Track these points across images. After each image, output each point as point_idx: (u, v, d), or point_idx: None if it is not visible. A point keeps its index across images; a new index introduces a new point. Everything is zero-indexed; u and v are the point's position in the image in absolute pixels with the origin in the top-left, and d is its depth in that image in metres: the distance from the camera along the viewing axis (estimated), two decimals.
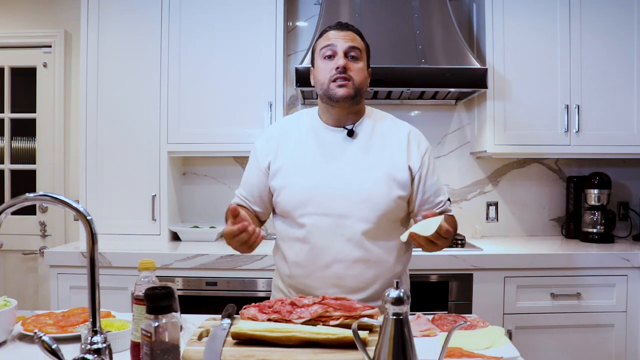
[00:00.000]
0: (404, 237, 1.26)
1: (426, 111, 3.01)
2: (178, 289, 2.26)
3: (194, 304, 2.31)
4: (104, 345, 0.93)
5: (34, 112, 3.10)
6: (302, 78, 2.40)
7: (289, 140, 1.53)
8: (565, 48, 2.63)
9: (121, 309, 1.45)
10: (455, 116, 3.01)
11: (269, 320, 1.20)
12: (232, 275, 2.35)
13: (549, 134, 2.64)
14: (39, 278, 3.07)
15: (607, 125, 2.64)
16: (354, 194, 1.45)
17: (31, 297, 3.07)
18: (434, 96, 2.84)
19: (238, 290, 2.35)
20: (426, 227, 1.23)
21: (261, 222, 1.62)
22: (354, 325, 0.98)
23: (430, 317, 1.36)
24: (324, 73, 1.47)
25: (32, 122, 3.11)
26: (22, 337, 1.28)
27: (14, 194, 3.13)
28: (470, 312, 2.27)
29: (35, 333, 0.91)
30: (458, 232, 2.74)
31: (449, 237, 1.30)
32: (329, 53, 1.47)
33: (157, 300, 0.92)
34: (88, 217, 0.93)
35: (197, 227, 2.79)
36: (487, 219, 3.01)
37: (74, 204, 0.94)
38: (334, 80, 1.45)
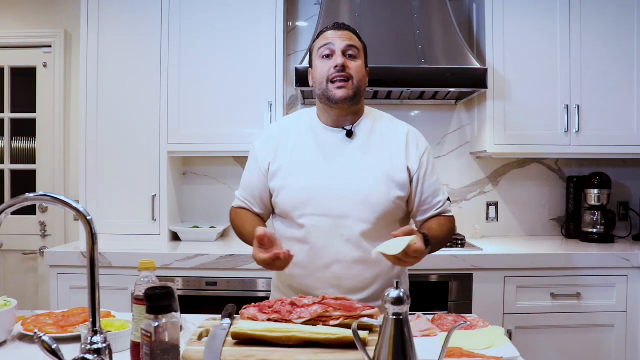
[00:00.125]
0: (374, 252, 1.25)
1: (426, 111, 3.01)
2: (178, 289, 2.26)
3: (194, 304, 2.31)
4: (104, 345, 0.93)
5: (34, 112, 3.10)
6: (302, 78, 2.40)
7: (289, 141, 1.53)
8: (565, 48, 2.63)
9: (121, 309, 1.45)
10: (455, 116, 3.01)
11: (269, 320, 1.20)
12: (232, 275, 2.35)
13: (549, 134, 2.64)
14: (39, 278, 3.07)
15: (607, 125, 2.64)
16: (353, 195, 1.45)
17: (31, 297, 3.07)
18: (434, 96, 2.84)
19: (238, 290, 2.35)
20: (393, 246, 1.24)
21: (263, 222, 1.62)
22: (354, 325, 0.98)
23: (430, 317, 1.36)
24: (322, 72, 1.47)
25: (32, 122, 3.11)
26: (22, 337, 1.28)
27: (14, 194, 3.13)
28: (470, 312, 2.27)
29: (35, 333, 0.91)
30: (458, 232, 2.76)
31: (420, 256, 1.30)
32: (327, 52, 1.47)
33: (157, 300, 0.92)
34: (88, 217, 0.93)
35: (197, 227, 2.79)
36: (487, 219, 3.01)
37: (74, 204, 0.94)
38: (333, 81, 1.45)
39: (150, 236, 2.63)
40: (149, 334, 0.91)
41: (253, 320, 1.21)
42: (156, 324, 0.91)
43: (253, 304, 1.29)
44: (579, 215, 2.86)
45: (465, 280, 2.36)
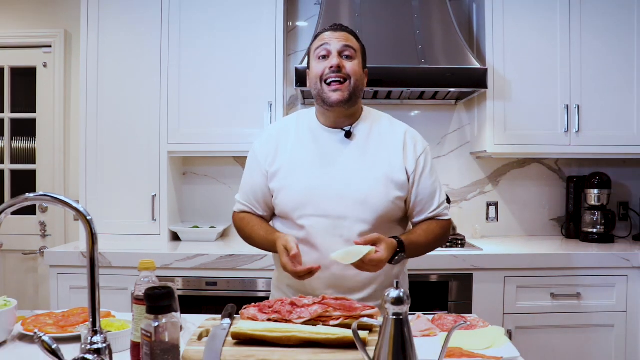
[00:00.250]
0: (330, 257, 1.31)
1: (426, 111, 3.01)
2: (178, 289, 2.26)
3: (194, 304, 2.31)
4: (104, 345, 0.93)
5: (34, 112, 3.10)
6: (302, 78, 2.40)
7: (288, 142, 1.53)
8: (565, 48, 2.63)
9: (121, 309, 1.45)
10: (455, 116, 3.01)
11: (269, 320, 1.20)
12: (232, 275, 2.35)
13: (549, 134, 2.64)
14: (39, 278, 3.07)
15: (607, 125, 2.64)
16: (352, 196, 1.45)
17: (31, 297, 3.07)
18: (434, 96, 2.84)
19: (238, 290, 2.35)
20: (349, 254, 1.28)
21: (270, 226, 1.60)
22: (354, 325, 0.98)
23: (430, 317, 1.36)
24: (316, 72, 1.47)
25: (32, 122, 3.11)
26: (22, 337, 1.28)
27: (14, 194, 3.13)
28: (470, 312, 2.27)
29: (35, 333, 0.91)
30: (458, 232, 2.76)
31: (379, 264, 1.33)
32: (323, 53, 1.47)
33: (157, 300, 0.92)
34: (88, 217, 0.93)
35: (197, 227, 2.79)
36: (487, 219, 3.01)
37: (74, 204, 0.94)
38: (328, 83, 1.44)
39: (150, 236, 2.63)
40: (149, 334, 0.91)
41: (253, 320, 1.21)
42: (156, 324, 0.91)
43: (253, 304, 1.29)
44: (579, 215, 2.86)
45: (465, 280, 2.36)
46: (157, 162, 2.62)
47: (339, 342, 1.10)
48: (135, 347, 1.09)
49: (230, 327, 1.19)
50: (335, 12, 2.62)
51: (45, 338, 0.90)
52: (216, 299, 2.34)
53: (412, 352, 0.91)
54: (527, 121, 2.64)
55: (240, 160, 2.93)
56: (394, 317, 0.91)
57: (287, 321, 1.19)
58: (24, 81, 3.14)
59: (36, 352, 1.01)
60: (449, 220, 1.57)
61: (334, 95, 1.43)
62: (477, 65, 2.50)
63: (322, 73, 1.45)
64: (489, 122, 2.64)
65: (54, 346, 0.90)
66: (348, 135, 1.50)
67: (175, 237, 2.76)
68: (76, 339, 1.20)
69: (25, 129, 3.14)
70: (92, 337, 0.92)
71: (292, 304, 1.25)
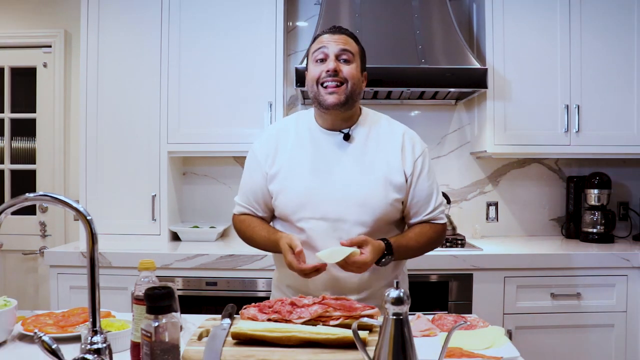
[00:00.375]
0: (316, 255, 1.34)
1: (426, 111, 3.01)
2: (178, 289, 2.26)
3: (194, 304, 2.31)
4: (104, 345, 0.93)
5: (34, 112, 3.10)
6: (302, 78, 2.38)
7: (287, 143, 1.52)
8: (565, 48, 2.63)
9: (121, 309, 1.45)
10: (455, 116, 3.01)
11: (269, 320, 1.20)
12: (232, 275, 2.35)
13: (549, 134, 2.64)
14: (39, 278, 3.07)
15: (607, 125, 2.64)
16: (351, 198, 1.44)
17: (31, 297, 3.07)
18: (434, 96, 2.84)
19: (238, 290, 2.35)
20: (334, 253, 1.32)
21: (271, 226, 1.60)
22: (354, 325, 0.98)
23: (430, 317, 1.36)
24: (313, 75, 1.46)
25: (32, 122, 3.11)
26: (22, 337, 1.28)
27: (14, 194, 3.13)
28: (470, 312, 2.26)
29: (35, 333, 0.91)
30: (458, 232, 2.76)
31: (363, 266, 1.35)
32: (320, 56, 1.46)
33: (157, 300, 0.92)
34: (88, 217, 0.93)
35: (197, 227, 2.79)
36: (487, 219, 3.01)
37: (74, 204, 0.94)
38: (324, 85, 1.43)
39: (150, 236, 2.63)
40: (149, 334, 0.91)
41: (253, 320, 1.21)
42: (156, 324, 0.91)
43: (253, 304, 1.29)
44: (579, 215, 2.86)
45: (465, 280, 2.36)
46: (157, 162, 2.62)
47: (339, 342, 1.10)
48: (135, 347, 1.09)
49: (230, 327, 1.19)
50: (335, 12, 2.62)
51: (45, 338, 0.90)
52: (216, 299, 2.34)
53: (412, 352, 0.91)
54: (527, 121, 2.63)
55: (240, 160, 2.93)
56: (394, 317, 0.91)
57: (287, 321, 1.19)
58: (24, 81, 3.14)
59: (36, 352, 1.01)
60: (444, 224, 1.57)
61: (330, 98, 1.43)
62: (477, 65, 2.50)
63: (318, 76, 1.45)
64: (489, 122, 2.64)
65: (54, 346, 0.90)
66: (346, 137, 1.49)
67: (175, 237, 2.76)
68: (76, 339, 1.20)
69: (25, 129, 3.14)
70: (92, 337, 0.92)
71: (292, 304, 1.25)
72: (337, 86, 1.43)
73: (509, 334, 2.31)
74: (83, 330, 0.96)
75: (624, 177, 3.01)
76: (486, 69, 2.50)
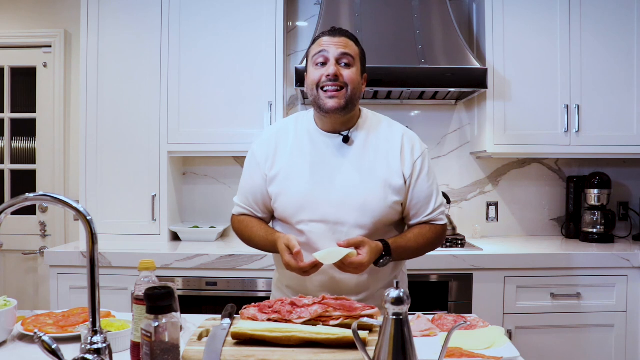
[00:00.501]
0: (313, 256, 1.33)
1: (426, 111, 3.01)
2: (178, 289, 2.26)
3: (194, 304, 2.31)
4: (104, 345, 0.93)
5: (34, 112, 3.10)
6: (302, 78, 2.36)
7: (287, 144, 1.52)
8: (565, 48, 2.63)
9: (121, 309, 1.45)
10: (455, 116, 3.01)
11: (269, 320, 1.20)
12: (232, 275, 2.35)
13: (549, 134, 2.64)
14: (39, 278, 3.07)
15: (607, 125, 2.64)
16: (350, 201, 1.44)
17: (31, 297, 3.07)
18: (434, 96, 2.84)
19: (238, 290, 2.35)
20: (331, 254, 1.32)
21: (270, 227, 1.60)
22: (354, 325, 0.98)
23: (430, 317, 1.36)
24: (313, 78, 1.46)
25: (32, 122, 3.11)
26: (22, 337, 1.28)
27: (14, 194, 3.13)
28: (470, 312, 2.27)
29: (35, 333, 0.91)
30: (458, 232, 2.76)
31: (360, 267, 1.35)
32: (320, 60, 1.45)
33: (157, 300, 0.92)
34: (88, 217, 0.93)
35: (197, 227, 2.79)
36: (487, 219, 3.01)
37: (74, 204, 0.94)
38: (324, 89, 1.43)
39: (150, 236, 2.63)
40: (149, 334, 0.91)
41: (253, 320, 1.21)
42: (156, 324, 0.91)
43: (253, 304, 1.29)
44: (579, 215, 2.86)
45: (465, 280, 2.36)
46: (157, 162, 2.62)
47: (339, 342, 1.10)
48: (135, 347, 1.09)
49: (230, 327, 1.19)
50: (336, 12, 2.62)
51: (45, 338, 0.90)
52: (216, 299, 2.34)
53: (412, 352, 0.91)
54: (527, 121, 2.64)
55: (240, 160, 2.93)
56: (394, 317, 0.91)
57: (287, 321, 1.19)
58: (24, 81, 3.14)
59: (36, 352, 1.01)
60: (444, 225, 1.56)
61: (330, 102, 1.42)
62: (477, 65, 2.50)
63: (318, 80, 1.44)
64: (489, 122, 2.64)
65: (54, 346, 0.90)
66: (346, 140, 1.49)
67: (175, 237, 2.76)
68: (76, 339, 1.20)
69: (25, 129, 3.14)
70: (92, 337, 0.92)
71: (292, 304, 1.25)
72: (337, 90, 1.42)
73: (509, 334, 2.31)
74: (83, 330, 0.96)
75: (624, 177, 3.01)
76: (486, 69, 2.50)
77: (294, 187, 1.47)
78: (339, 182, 1.46)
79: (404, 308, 0.91)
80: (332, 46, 1.44)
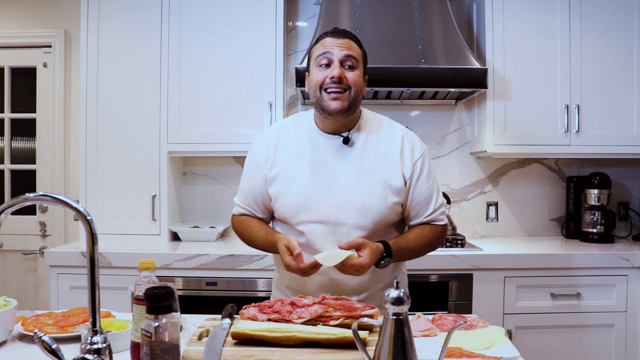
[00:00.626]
0: (313, 257, 1.34)
1: (426, 111, 3.01)
2: (178, 289, 2.26)
3: (194, 304, 2.31)
4: (104, 345, 0.93)
5: (34, 112, 3.10)
6: (302, 78, 2.37)
7: (286, 145, 1.52)
8: (565, 48, 2.63)
9: (121, 309, 1.45)
10: (455, 116, 3.01)
11: (269, 320, 1.20)
12: (232, 275, 2.35)
13: (549, 134, 2.64)
14: (39, 278, 3.07)
15: (607, 125, 2.64)
16: (350, 202, 1.44)
17: (31, 297, 3.06)
18: (434, 96, 2.84)
19: (238, 290, 2.35)
20: (332, 256, 1.32)
21: (270, 227, 1.60)
22: (354, 325, 0.98)
23: (430, 317, 1.36)
24: (316, 80, 1.45)
25: (32, 122, 3.11)
26: (22, 337, 1.28)
27: (14, 194, 3.13)
28: (470, 312, 2.27)
29: (35, 333, 0.91)
30: (458, 232, 2.76)
31: (360, 269, 1.35)
32: (324, 61, 1.45)
33: (157, 300, 0.92)
34: (88, 217, 0.93)
35: (197, 227, 2.79)
36: (487, 219, 3.01)
37: (74, 204, 0.94)
38: (328, 91, 1.42)
39: (150, 236, 2.63)
40: (149, 334, 0.91)
41: (253, 320, 1.21)
42: (156, 324, 0.91)
43: (253, 304, 1.29)
44: (579, 215, 2.86)
45: (465, 280, 2.36)
46: (157, 162, 2.62)
47: (339, 342, 1.10)
48: (135, 347, 1.09)
49: (230, 327, 1.19)
50: (336, 12, 2.62)
51: (45, 338, 0.90)
52: (216, 299, 2.34)
53: (412, 352, 0.91)
54: (527, 121, 2.63)
55: (240, 160, 2.93)
56: (394, 317, 0.91)
57: (287, 321, 1.19)
58: (24, 81, 3.14)
59: (36, 352, 1.01)
60: (444, 225, 1.56)
61: (334, 104, 1.42)
62: (477, 65, 2.50)
63: (322, 82, 1.44)
64: (489, 122, 2.64)
65: (54, 346, 0.90)
66: (346, 141, 1.49)
67: (175, 237, 2.76)
68: (76, 339, 1.20)
69: (25, 129, 3.14)
70: (92, 337, 0.92)
71: (292, 304, 1.25)
72: (340, 92, 1.42)
73: (509, 334, 2.31)
74: (83, 330, 0.96)
75: (624, 177, 3.01)
76: (486, 69, 2.50)
77: (294, 188, 1.47)
78: (339, 183, 1.45)
79: (404, 308, 0.91)
80: (336, 47, 1.44)
